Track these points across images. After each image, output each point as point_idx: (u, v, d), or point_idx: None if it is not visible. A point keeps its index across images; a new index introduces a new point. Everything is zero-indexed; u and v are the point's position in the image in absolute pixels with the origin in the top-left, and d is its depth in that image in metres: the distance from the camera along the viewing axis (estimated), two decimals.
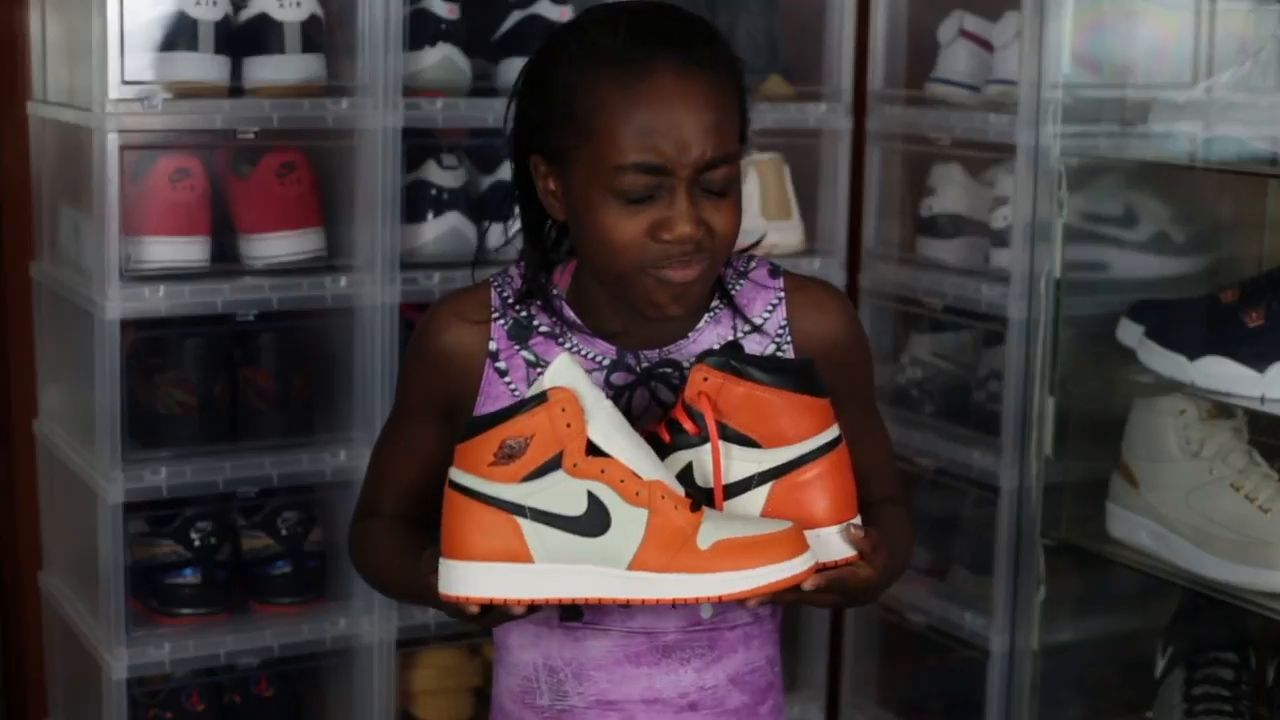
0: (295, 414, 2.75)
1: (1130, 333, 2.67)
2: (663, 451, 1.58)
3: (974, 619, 2.91)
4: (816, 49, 3.07)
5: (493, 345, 1.69)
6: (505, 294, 1.72)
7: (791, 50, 3.07)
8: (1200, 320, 2.56)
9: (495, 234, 2.80)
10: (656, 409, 1.67)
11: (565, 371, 1.52)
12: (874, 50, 3.11)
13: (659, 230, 1.58)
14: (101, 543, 2.60)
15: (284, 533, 2.74)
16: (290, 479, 2.71)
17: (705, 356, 1.59)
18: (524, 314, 1.70)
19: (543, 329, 1.70)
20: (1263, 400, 2.46)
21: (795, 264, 2.99)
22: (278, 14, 2.61)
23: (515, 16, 2.81)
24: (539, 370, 1.67)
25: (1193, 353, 2.53)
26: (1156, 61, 2.81)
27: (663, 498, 1.50)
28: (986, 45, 2.95)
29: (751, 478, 1.58)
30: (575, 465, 1.50)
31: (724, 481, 1.57)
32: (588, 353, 1.69)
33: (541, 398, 1.50)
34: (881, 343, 3.13)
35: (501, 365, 1.69)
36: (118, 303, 2.54)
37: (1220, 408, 2.58)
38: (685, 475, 1.58)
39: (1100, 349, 2.74)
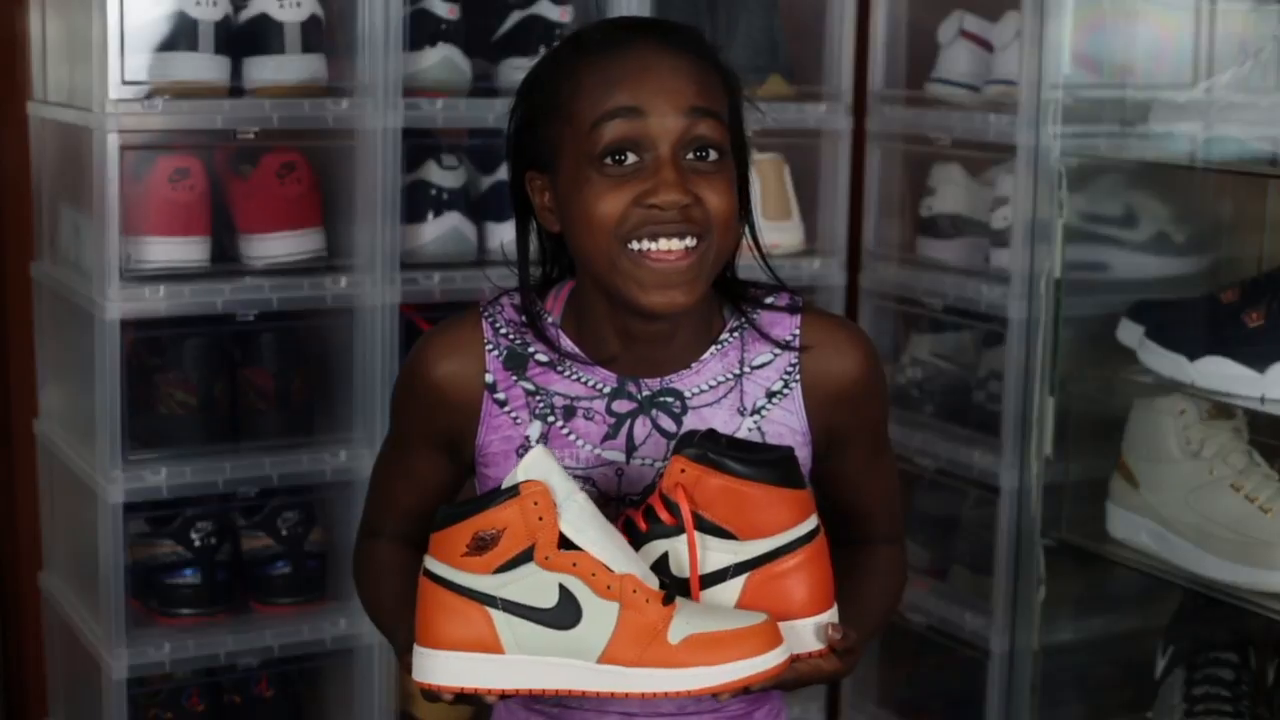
0: (295, 414, 2.75)
1: (1130, 333, 2.67)
2: (639, 540, 1.56)
3: (974, 619, 2.91)
4: (816, 49, 3.07)
5: (489, 377, 1.67)
6: (497, 324, 1.68)
7: (792, 50, 3.07)
8: (1200, 320, 2.56)
9: (496, 235, 2.82)
10: (658, 438, 1.66)
11: (539, 464, 1.52)
12: (874, 50, 3.11)
13: (645, 197, 1.54)
14: (101, 543, 2.60)
15: (284, 533, 2.74)
16: (290, 479, 2.71)
17: (683, 447, 1.56)
18: (519, 342, 1.68)
19: (540, 357, 1.67)
20: (1263, 400, 2.46)
21: (796, 264, 3.01)
22: (278, 14, 2.61)
23: (515, 17, 2.81)
24: (539, 399, 1.66)
25: (1193, 353, 2.53)
26: (1156, 61, 2.81)
27: (634, 591, 1.50)
28: (986, 45, 2.95)
29: (727, 568, 1.56)
30: (547, 558, 1.50)
31: (700, 572, 1.56)
32: (587, 380, 1.66)
33: (514, 491, 1.50)
34: (881, 343, 3.12)
35: (500, 396, 1.67)
36: (118, 303, 2.54)
37: (1220, 408, 2.58)
38: (661, 565, 1.56)
39: (1100, 349, 2.74)
